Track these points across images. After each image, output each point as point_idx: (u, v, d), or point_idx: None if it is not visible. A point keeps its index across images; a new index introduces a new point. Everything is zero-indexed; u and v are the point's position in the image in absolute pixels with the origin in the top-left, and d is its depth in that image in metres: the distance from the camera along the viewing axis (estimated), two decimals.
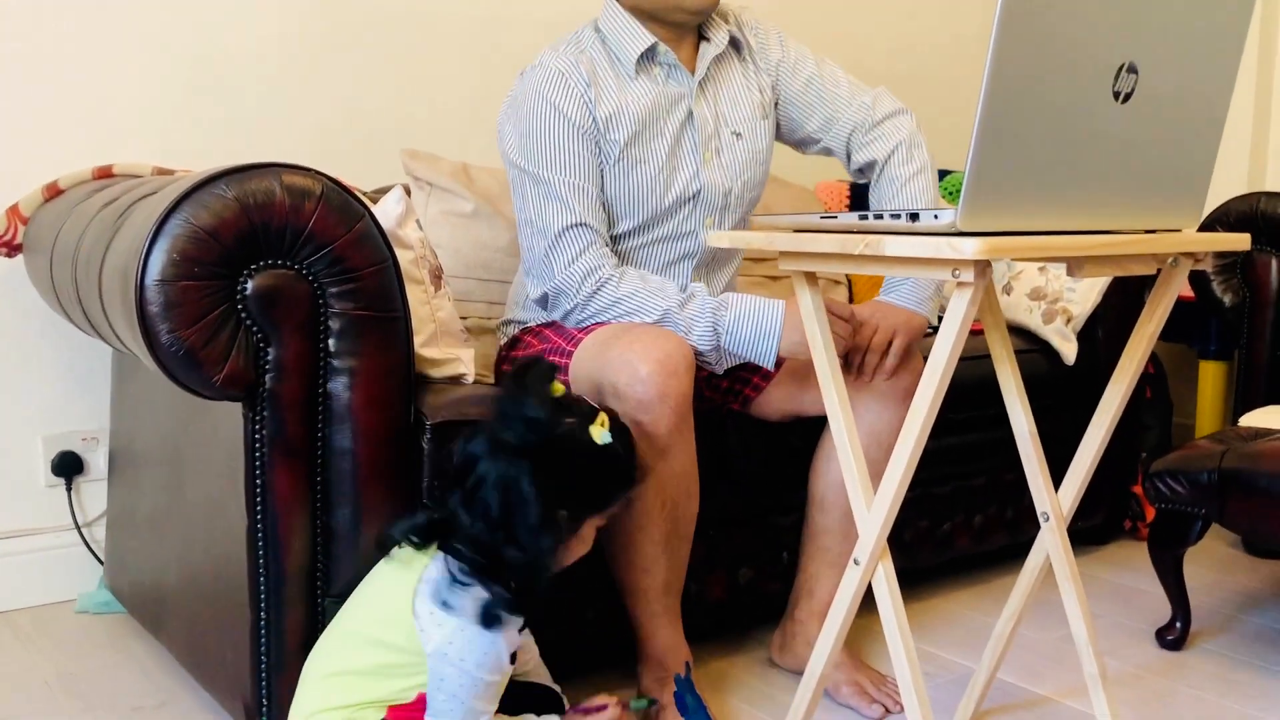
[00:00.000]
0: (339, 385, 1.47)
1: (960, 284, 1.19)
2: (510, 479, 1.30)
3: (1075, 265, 1.23)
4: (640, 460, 1.41)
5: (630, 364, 1.50)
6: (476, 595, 1.31)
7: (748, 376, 1.85)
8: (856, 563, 1.35)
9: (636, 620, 1.66)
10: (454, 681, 1.32)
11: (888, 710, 1.75)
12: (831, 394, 1.37)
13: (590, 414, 1.36)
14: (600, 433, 1.34)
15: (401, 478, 1.52)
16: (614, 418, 1.38)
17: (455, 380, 1.76)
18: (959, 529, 2.27)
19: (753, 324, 1.61)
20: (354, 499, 1.48)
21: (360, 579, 1.42)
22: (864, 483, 1.36)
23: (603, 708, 1.53)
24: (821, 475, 1.83)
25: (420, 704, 1.34)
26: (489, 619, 1.30)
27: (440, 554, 1.33)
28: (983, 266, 1.17)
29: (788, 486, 1.93)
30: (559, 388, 1.38)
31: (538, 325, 1.81)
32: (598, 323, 1.67)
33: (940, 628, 2.12)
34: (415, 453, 1.54)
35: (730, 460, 1.86)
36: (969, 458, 2.25)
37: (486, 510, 1.31)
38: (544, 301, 1.72)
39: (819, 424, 1.85)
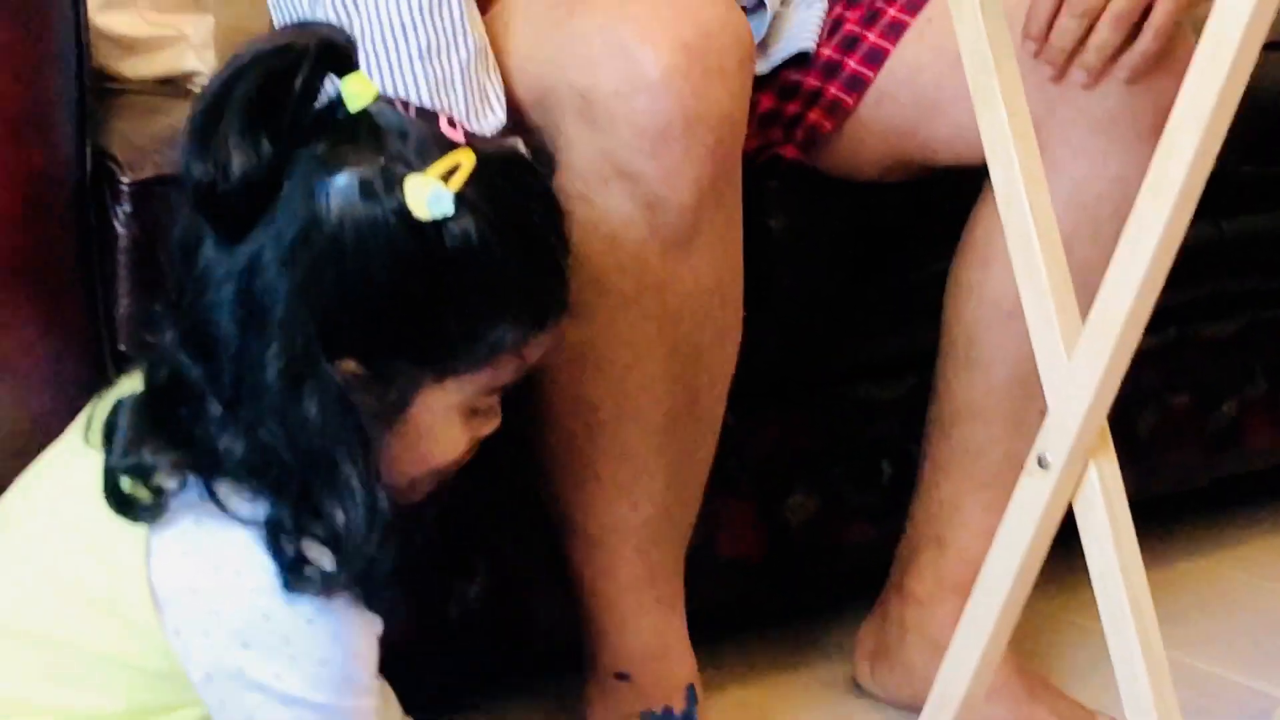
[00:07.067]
0: None
1: None
2: (232, 276, 0.77)
3: None
4: (560, 271, 0.82)
5: (624, 47, 0.97)
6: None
7: (816, 88, 1.15)
8: (1043, 465, 0.96)
9: (597, 596, 1.10)
10: None
11: None
12: (1000, 117, 0.90)
13: (426, 146, 0.74)
14: (428, 193, 0.74)
15: (68, 270, 1.02)
16: (489, 156, 0.75)
17: (174, 84, 1.17)
18: (1250, 411, 1.46)
19: None
20: None
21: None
22: (1061, 300, 0.91)
23: None
24: (968, 296, 1.16)
25: None
26: (279, 554, 0.79)
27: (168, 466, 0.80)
28: None
29: (894, 319, 1.20)
30: (363, 86, 0.76)
31: None
32: None
33: (1210, 618, 1.36)
34: (100, 229, 1.01)
35: (775, 265, 1.11)
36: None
37: (212, 351, 0.78)
38: None
39: (960, 188, 1.09)
